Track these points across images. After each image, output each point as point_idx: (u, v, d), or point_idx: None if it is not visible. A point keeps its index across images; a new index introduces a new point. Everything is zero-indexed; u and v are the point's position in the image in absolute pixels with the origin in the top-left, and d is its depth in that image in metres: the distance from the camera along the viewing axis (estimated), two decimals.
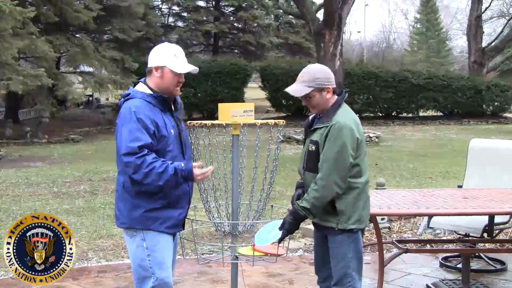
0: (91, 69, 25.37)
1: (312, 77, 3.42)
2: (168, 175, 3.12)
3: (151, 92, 3.30)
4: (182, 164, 3.18)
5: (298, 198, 3.49)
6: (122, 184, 3.28)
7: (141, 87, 3.35)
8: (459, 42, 58.06)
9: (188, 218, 3.42)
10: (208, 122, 3.67)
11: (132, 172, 3.13)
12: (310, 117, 3.60)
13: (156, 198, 3.23)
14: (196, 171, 3.20)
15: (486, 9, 31.15)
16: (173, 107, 3.41)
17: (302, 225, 6.83)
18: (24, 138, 20.48)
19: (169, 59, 3.32)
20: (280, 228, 3.42)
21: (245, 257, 3.62)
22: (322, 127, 3.39)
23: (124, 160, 3.14)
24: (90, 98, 34.92)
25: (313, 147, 3.40)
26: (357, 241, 3.45)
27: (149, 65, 3.36)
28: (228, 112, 3.56)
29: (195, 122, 3.66)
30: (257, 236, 3.50)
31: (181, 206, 3.33)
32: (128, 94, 3.32)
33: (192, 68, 3.36)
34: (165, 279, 3.26)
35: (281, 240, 3.42)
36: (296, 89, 3.46)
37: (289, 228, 3.40)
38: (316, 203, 3.33)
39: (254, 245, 3.49)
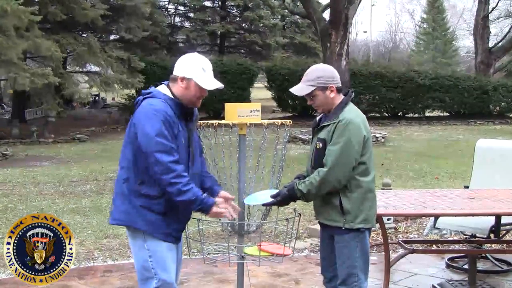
0: (97, 69, 25.44)
1: (315, 76, 3.44)
2: (187, 197, 3.07)
3: (172, 97, 3.24)
4: (204, 196, 3.15)
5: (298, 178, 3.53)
6: (124, 180, 3.21)
7: (163, 89, 3.28)
8: (465, 42, 57.83)
9: (194, 218, 3.40)
10: (215, 122, 3.66)
11: (160, 173, 3.05)
12: (318, 118, 3.61)
13: (155, 203, 3.18)
14: (214, 209, 3.17)
15: (493, 9, 31.06)
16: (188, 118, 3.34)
17: (308, 225, 6.88)
18: (30, 137, 20.54)
19: (197, 72, 3.25)
20: (273, 197, 3.44)
21: (251, 257, 3.62)
22: (329, 124, 3.40)
23: (157, 157, 3.04)
24: (97, 98, 35.06)
25: (320, 145, 3.41)
26: (364, 241, 3.45)
27: (174, 73, 3.28)
28: (234, 112, 3.55)
29: (201, 122, 3.65)
30: (249, 196, 3.52)
31: (179, 220, 3.29)
32: (150, 93, 3.24)
33: (219, 86, 3.31)
34: (167, 280, 3.23)
35: (267, 205, 3.47)
36: (298, 89, 3.50)
37: (281, 200, 3.44)
38: (313, 191, 3.36)
39: (260, 245, 3.49)
